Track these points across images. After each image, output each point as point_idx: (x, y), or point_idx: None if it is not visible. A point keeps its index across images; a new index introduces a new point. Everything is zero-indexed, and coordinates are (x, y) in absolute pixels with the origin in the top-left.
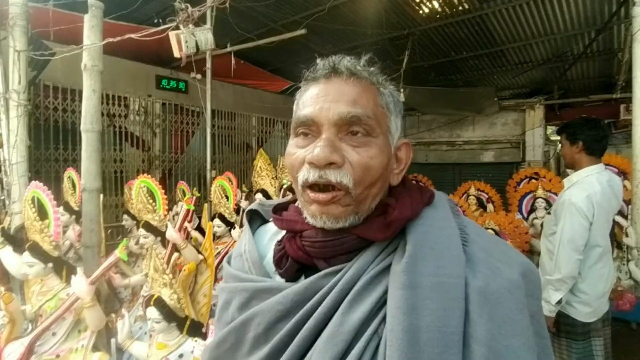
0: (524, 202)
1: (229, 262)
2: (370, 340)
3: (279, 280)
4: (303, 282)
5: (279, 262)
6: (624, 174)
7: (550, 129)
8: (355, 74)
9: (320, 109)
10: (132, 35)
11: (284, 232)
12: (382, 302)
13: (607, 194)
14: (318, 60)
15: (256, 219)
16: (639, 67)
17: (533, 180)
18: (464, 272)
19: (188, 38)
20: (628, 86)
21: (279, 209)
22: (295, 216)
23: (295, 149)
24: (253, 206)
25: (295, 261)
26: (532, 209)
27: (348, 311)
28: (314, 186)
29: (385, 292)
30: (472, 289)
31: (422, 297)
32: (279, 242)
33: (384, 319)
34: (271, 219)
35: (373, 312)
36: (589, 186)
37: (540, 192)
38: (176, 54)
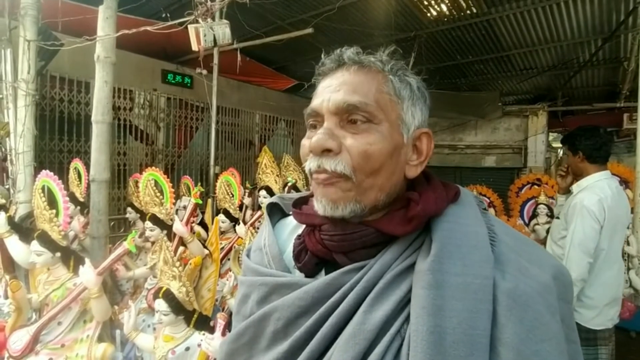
0: (526, 207)
1: (248, 255)
2: (392, 340)
3: (298, 275)
4: (324, 279)
5: (298, 255)
6: (625, 182)
7: (552, 136)
8: (359, 62)
9: (322, 100)
10: (149, 28)
11: (304, 226)
12: (405, 301)
13: (617, 199)
14: (323, 56)
15: (276, 213)
16: None
17: (535, 187)
18: (492, 273)
19: (207, 32)
20: (632, 95)
21: (299, 203)
22: (314, 210)
23: (305, 140)
24: (273, 199)
25: (315, 255)
26: (534, 215)
27: (370, 309)
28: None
29: (409, 291)
30: (501, 290)
31: (448, 297)
32: (299, 236)
33: (407, 318)
34: (291, 213)
35: (396, 312)
36: (600, 190)
37: (542, 198)
38: (194, 47)
